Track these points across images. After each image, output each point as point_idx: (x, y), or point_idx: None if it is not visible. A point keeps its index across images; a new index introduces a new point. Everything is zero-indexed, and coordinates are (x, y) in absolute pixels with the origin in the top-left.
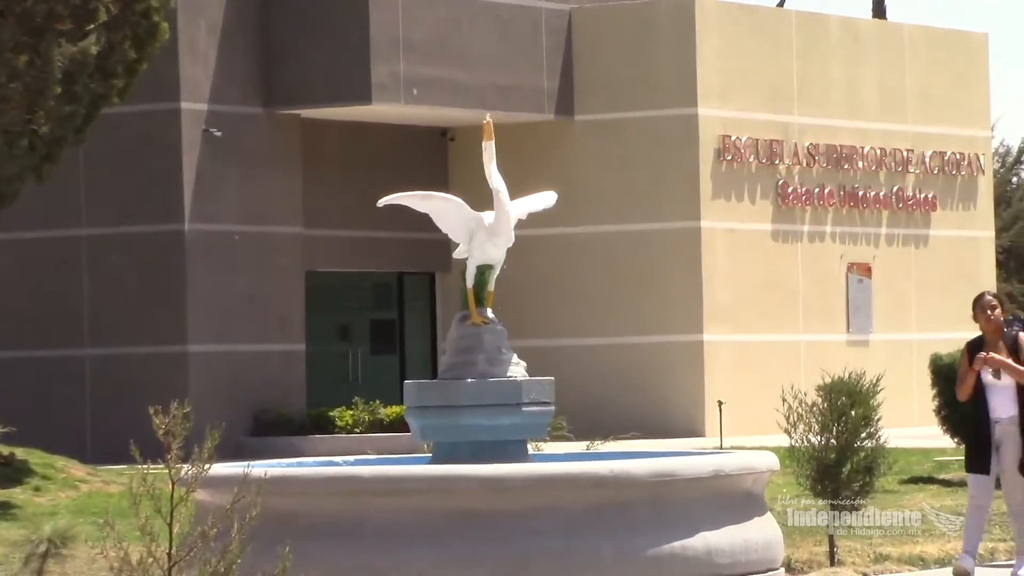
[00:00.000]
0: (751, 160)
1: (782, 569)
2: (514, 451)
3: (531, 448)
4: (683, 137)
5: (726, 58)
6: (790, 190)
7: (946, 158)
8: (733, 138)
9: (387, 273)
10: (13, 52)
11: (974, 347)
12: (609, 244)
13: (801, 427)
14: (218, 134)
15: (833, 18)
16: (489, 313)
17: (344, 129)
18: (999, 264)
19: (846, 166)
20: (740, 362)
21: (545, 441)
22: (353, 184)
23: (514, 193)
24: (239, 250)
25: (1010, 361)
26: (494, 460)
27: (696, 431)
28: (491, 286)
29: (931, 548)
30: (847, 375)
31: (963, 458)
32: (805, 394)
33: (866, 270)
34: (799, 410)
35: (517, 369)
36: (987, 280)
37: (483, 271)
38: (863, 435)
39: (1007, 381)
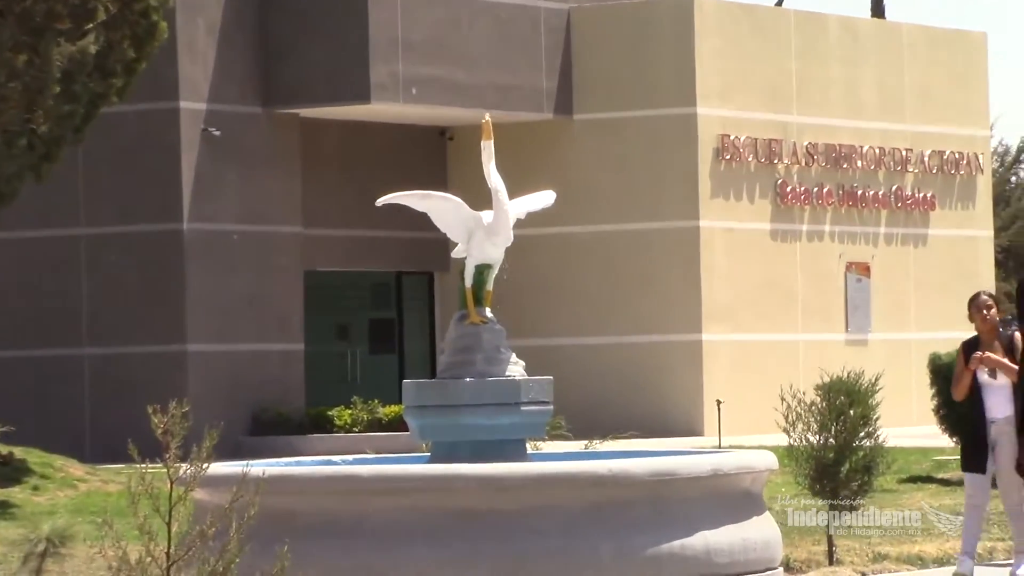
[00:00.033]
0: (750, 159)
1: (781, 568)
2: (513, 450)
3: (530, 447)
4: (682, 136)
5: (725, 57)
6: (789, 189)
7: (945, 157)
8: (732, 137)
9: (386, 272)
10: (12, 51)
11: (970, 347)
12: (608, 243)
13: (800, 426)
14: (217, 133)
15: (832, 17)
16: (488, 312)
17: (343, 128)
18: (998, 263)
19: (845, 165)
20: (739, 361)
21: (544, 440)
22: (352, 183)
23: (513, 192)
24: (238, 249)
25: (1006, 360)
26: (493, 459)
27: (695, 430)
28: (490, 285)
29: (930, 547)
30: (846, 374)
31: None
32: (804, 393)
33: (865, 269)
34: (798, 409)
35: (516, 368)
36: (986, 279)
37: (482, 270)
38: (862, 434)
39: (1003, 380)
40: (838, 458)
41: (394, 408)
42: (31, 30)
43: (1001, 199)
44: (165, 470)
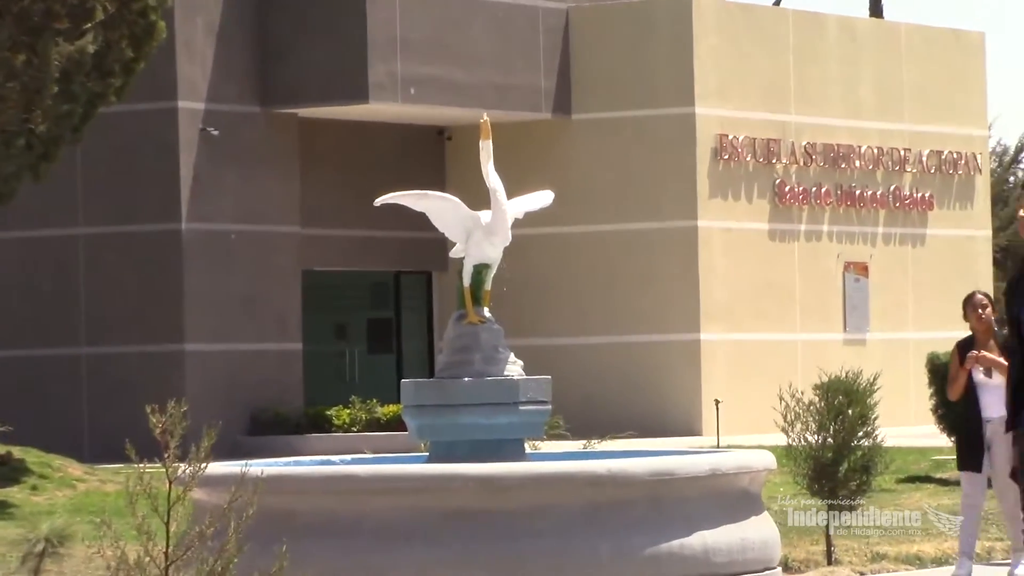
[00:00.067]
0: (748, 159)
1: (779, 568)
2: (511, 450)
3: (528, 447)
4: (680, 136)
5: (723, 57)
6: (787, 189)
7: (943, 157)
8: (730, 137)
9: (384, 272)
10: (10, 51)
11: (965, 346)
12: (606, 243)
13: (798, 426)
14: (215, 133)
15: (830, 17)
16: (486, 312)
17: (341, 128)
18: (996, 263)
19: (843, 165)
20: (737, 361)
21: (542, 440)
22: (350, 183)
23: (511, 192)
24: (236, 249)
25: (1001, 360)
26: (491, 459)
27: (693, 430)
28: (488, 285)
29: (928, 547)
30: (844, 374)
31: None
32: (802, 393)
33: (863, 269)
34: (796, 409)
35: (514, 368)
36: (984, 279)
37: (480, 270)
38: (860, 434)
39: (998, 380)
40: (836, 458)
41: (392, 408)
42: (29, 30)
43: (999, 199)
44: (163, 470)
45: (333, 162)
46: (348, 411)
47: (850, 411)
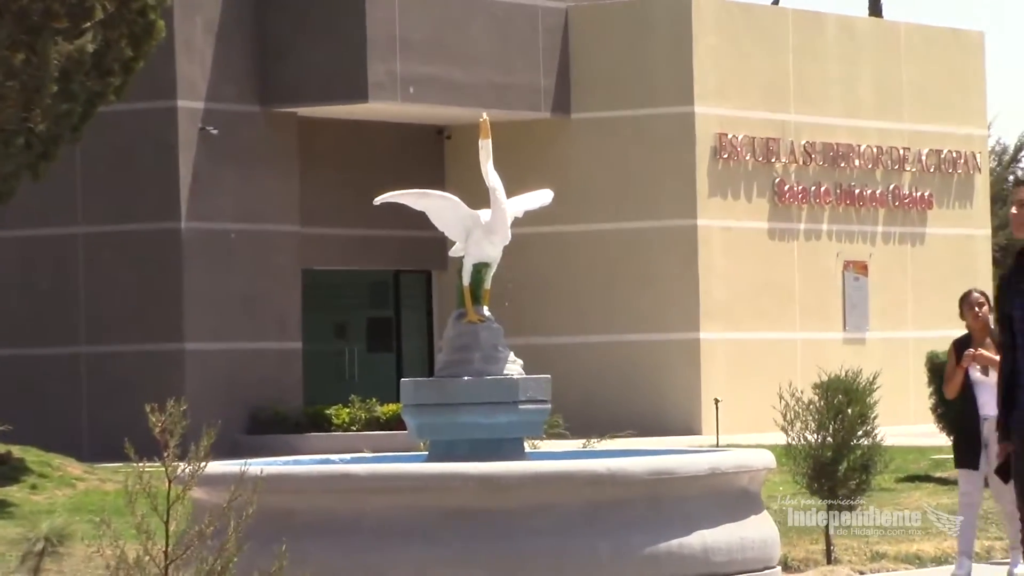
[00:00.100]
0: (747, 158)
1: (778, 567)
2: (510, 449)
3: (527, 446)
4: (679, 135)
5: (722, 56)
6: (786, 188)
7: (942, 156)
8: (729, 136)
9: (383, 271)
10: (10, 50)
11: (961, 345)
12: (606, 242)
13: (798, 425)
14: (214, 132)
15: (829, 16)
16: (485, 311)
17: (341, 127)
18: (995, 262)
19: (842, 164)
20: (736, 360)
21: (541, 439)
22: (349, 182)
23: (510, 191)
24: (235, 248)
25: (998, 358)
26: (490, 458)
27: (692, 429)
28: (487, 284)
29: (927, 546)
30: (843, 373)
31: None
32: (801, 392)
33: (862, 268)
34: (796, 408)
35: (513, 367)
36: (984, 278)
37: (479, 269)
38: (859, 433)
39: (995, 378)
40: (836, 457)
41: (392, 407)
42: (28, 29)
43: (999, 198)
44: (163, 469)
45: (332, 161)
46: (348, 410)
47: (849, 410)
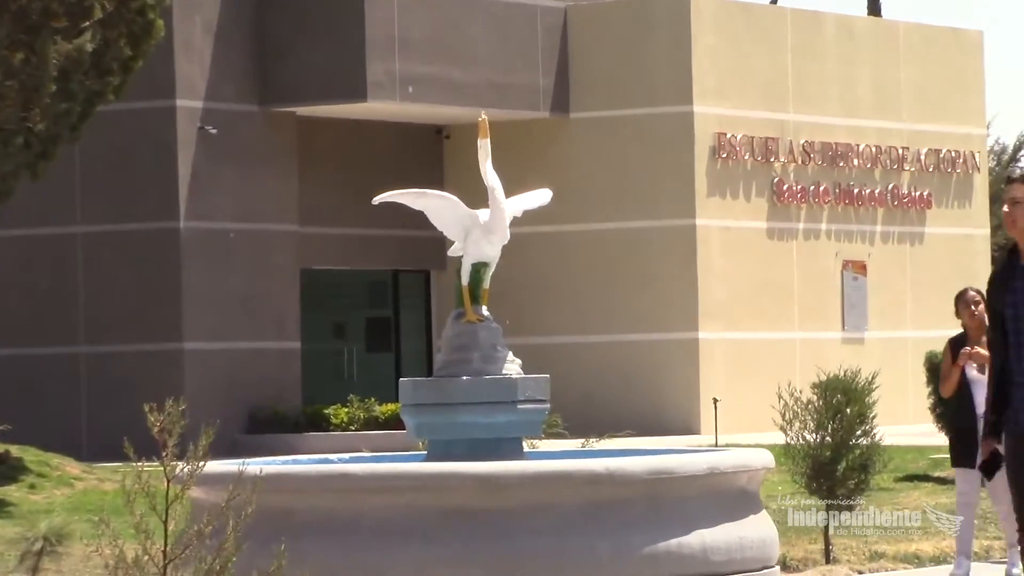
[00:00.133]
0: (746, 158)
1: (777, 567)
2: (509, 449)
3: (526, 446)
4: (679, 134)
5: (721, 55)
6: (785, 188)
7: (941, 156)
8: (728, 136)
9: (382, 271)
10: (9, 49)
11: (957, 343)
12: (605, 241)
13: (796, 424)
14: (213, 131)
15: (828, 16)
16: (484, 311)
17: (340, 127)
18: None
19: (841, 164)
20: (735, 359)
21: (540, 439)
22: (348, 182)
23: (509, 191)
24: (234, 248)
25: None
26: (489, 458)
27: (691, 428)
28: (486, 284)
29: (926, 546)
30: (842, 373)
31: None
32: (800, 392)
33: (861, 268)
34: (794, 408)
35: (512, 366)
36: (982, 278)
37: (478, 269)
38: (858, 433)
39: None
40: (835, 456)
41: (390, 406)
42: (27, 28)
43: (998, 197)
44: (162, 468)
45: (331, 161)
46: (346, 410)
47: (848, 410)
